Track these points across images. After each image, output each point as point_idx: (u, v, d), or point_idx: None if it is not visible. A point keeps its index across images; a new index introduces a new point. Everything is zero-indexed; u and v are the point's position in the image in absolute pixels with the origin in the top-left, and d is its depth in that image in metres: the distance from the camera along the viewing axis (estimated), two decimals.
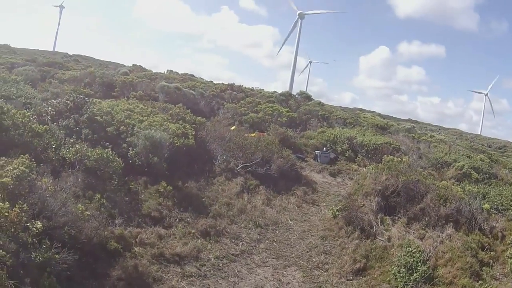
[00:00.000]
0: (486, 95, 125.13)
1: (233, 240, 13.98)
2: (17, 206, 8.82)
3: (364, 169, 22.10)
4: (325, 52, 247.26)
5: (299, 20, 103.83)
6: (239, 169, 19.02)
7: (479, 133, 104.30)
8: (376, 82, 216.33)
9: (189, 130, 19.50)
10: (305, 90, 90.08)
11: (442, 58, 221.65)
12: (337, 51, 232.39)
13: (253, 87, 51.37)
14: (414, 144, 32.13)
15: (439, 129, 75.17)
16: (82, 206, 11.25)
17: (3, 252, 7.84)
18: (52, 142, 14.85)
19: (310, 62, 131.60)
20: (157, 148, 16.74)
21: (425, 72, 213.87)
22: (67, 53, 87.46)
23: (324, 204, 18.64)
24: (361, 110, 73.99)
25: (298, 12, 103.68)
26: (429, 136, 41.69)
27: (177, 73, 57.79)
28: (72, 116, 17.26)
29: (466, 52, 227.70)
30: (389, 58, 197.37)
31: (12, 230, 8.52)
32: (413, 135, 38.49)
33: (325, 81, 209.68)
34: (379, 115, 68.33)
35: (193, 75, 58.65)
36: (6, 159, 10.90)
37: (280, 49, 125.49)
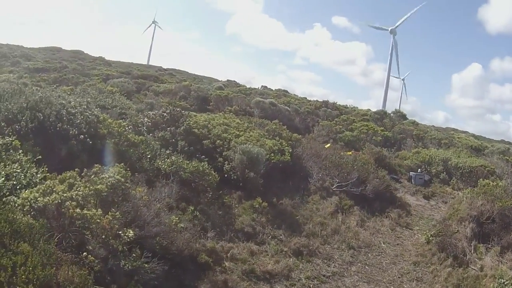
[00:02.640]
0: None
1: (325, 261, 13.18)
2: (110, 213, 8.67)
3: (459, 192, 20.91)
4: (417, 69, 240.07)
5: (391, 36, 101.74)
6: (334, 188, 18.23)
7: None
8: (468, 101, 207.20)
9: (286, 147, 18.99)
10: (399, 108, 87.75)
11: None
12: (429, 68, 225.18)
13: (346, 105, 50.46)
14: (509, 168, 29.81)
15: None
16: (176, 218, 11.05)
17: (92, 257, 7.67)
18: (148, 153, 14.81)
19: (403, 79, 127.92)
20: (253, 163, 16.32)
21: None
22: (161, 66, 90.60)
23: (417, 228, 17.49)
24: (454, 130, 70.57)
25: (390, 28, 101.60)
26: None
27: (271, 89, 58.11)
28: (168, 128, 17.26)
29: None
30: (481, 75, 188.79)
31: (103, 236, 8.32)
32: (507, 157, 35.89)
33: (419, 99, 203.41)
34: (473, 135, 64.74)
35: (286, 91, 58.70)
36: (100, 165, 10.81)
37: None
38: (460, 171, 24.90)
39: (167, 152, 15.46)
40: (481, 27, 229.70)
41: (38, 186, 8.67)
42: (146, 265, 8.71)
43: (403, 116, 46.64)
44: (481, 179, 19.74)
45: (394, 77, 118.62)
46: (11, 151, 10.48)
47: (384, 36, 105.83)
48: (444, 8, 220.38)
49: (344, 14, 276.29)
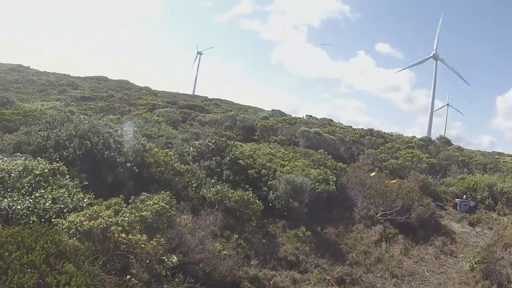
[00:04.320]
0: None
1: None
2: (154, 239, 8.81)
3: (504, 218, 20.26)
4: (461, 93, 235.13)
5: (434, 61, 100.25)
6: (378, 216, 17.93)
7: None
8: None
9: (330, 176, 18.84)
10: (443, 134, 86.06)
11: None
12: (473, 92, 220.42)
13: (392, 132, 50.22)
14: None
15: None
16: (220, 245, 11.10)
17: (135, 281, 7.75)
18: (193, 181, 14.98)
19: (448, 105, 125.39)
20: (298, 192, 16.26)
21: None
22: (206, 96, 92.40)
23: (462, 255, 16.96)
24: (500, 154, 68.45)
25: (433, 53, 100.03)
26: None
27: (316, 118, 58.00)
28: (213, 157, 17.42)
29: None
30: None
31: (147, 261, 8.43)
32: None
33: (463, 124, 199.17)
34: None
35: (332, 120, 58.50)
36: (147, 194, 10.97)
37: (399, 71, 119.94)
38: (506, 196, 24.15)
39: (212, 181, 15.61)
40: None
41: (84, 211, 8.85)
42: None
43: (448, 142, 45.89)
44: None
45: (439, 109, 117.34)
46: (58, 176, 10.79)
47: (428, 62, 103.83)
48: (487, 29, 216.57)
49: (387, 41, 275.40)
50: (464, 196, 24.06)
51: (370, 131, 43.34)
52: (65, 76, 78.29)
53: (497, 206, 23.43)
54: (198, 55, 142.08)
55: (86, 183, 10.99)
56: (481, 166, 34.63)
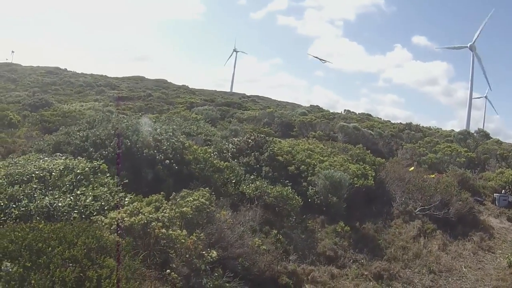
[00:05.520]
0: None
1: (405, 285, 12.77)
2: (194, 234, 8.97)
3: None
4: (500, 85, 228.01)
5: (471, 53, 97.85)
6: (417, 211, 17.67)
7: None
8: None
9: (369, 171, 18.65)
10: (482, 127, 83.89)
11: None
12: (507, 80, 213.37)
13: (430, 126, 49.57)
14: None
15: None
16: (259, 240, 11.21)
17: (175, 275, 7.95)
18: (232, 178, 15.14)
19: (486, 97, 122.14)
20: (336, 188, 16.17)
21: None
22: (244, 94, 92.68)
23: (500, 251, 16.57)
24: None
25: (469, 44, 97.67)
26: None
27: (355, 113, 57.65)
28: (252, 154, 17.50)
29: None
30: None
31: (187, 256, 8.62)
32: None
33: (502, 117, 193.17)
34: None
35: (370, 115, 57.85)
36: (187, 190, 11.13)
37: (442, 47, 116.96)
38: None
39: (252, 177, 15.71)
40: None
41: (125, 207, 9.05)
42: (227, 284, 8.85)
43: (487, 136, 44.74)
44: None
45: (476, 98, 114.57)
46: (99, 174, 11.06)
47: (465, 54, 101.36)
48: None
49: (424, 33, 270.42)
50: (503, 190, 23.49)
51: (409, 126, 42.82)
52: (103, 77, 79.83)
53: None
54: (235, 53, 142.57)
55: (127, 181, 11.23)
56: None
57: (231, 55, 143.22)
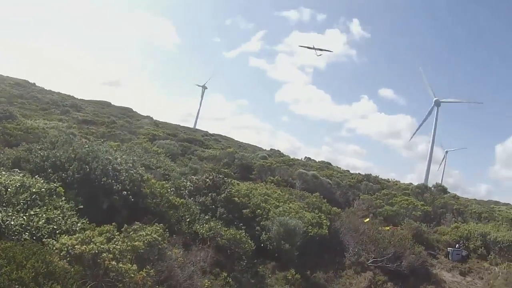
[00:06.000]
0: None
1: None
2: (144, 270, 8.84)
3: (496, 268, 20.29)
4: (459, 140, 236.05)
5: (435, 108, 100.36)
6: (369, 263, 17.91)
7: None
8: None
9: (324, 220, 18.89)
10: (440, 181, 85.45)
11: None
12: (473, 140, 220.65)
13: (389, 179, 50.16)
14: None
15: None
16: (208, 282, 11.30)
17: None
18: (187, 216, 15.00)
19: (446, 152, 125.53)
20: (290, 235, 16.22)
21: None
22: (207, 131, 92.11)
23: None
24: (496, 203, 68.47)
25: (435, 99, 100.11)
26: None
27: (315, 161, 57.94)
28: (209, 194, 17.38)
29: None
30: None
31: None
32: None
33: (461, 172, 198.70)
34: None
35: (330, 164, 58.37)
36: (141, 224, 10.97)
37: (412, 136, 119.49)
38: (499, 245, 24.13)
39: (206, 217, 15.59)
40: None
41: (77, 235, 8.83)
42: None
43: (444, 190, 46.10)
44: None
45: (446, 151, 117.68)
46: (54, 197, 10.79)
47: (428, 109, 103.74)
48: (486, 76, 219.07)
49: (391, 86, 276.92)
50: (457, 245, 24.04)
51: (367, 177, 43.57)
52: (70, 97, 78.64)
53: (490, 256, 23.41)
54: (202, 89, 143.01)
55: (81, 206, 11.00)
56: (476, 215, 34.73)
57: (203, 92, 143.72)
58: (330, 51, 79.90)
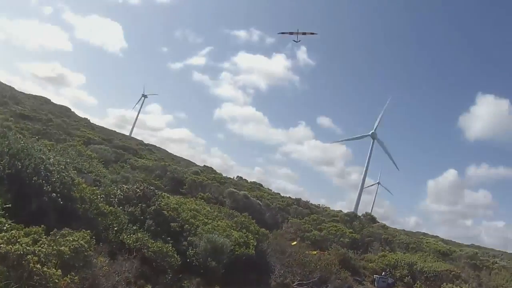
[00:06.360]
0: None
1: None
2: (68, 276, 8.68)
3: None
4: (392, 174, 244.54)
5: (371, 140, 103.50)
6: (294, 285, 18.22)
7: None
8: (441, 207, 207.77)
9: (251, 240, 18.97)
10: (370, 211, 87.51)
11: (509, 181, 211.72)
12: (406, 174, 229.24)
13: (319, 204, 51.79)
14: (475, 272, 30.12)
15: (502, 255, 70.45)
16: None
17: None
18: (115, 225, 14.70)
19: (379, 183, 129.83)
20: (217, 252, 16.25)
21: (492, 196, 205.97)
22: (142, 141, 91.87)
23: None
24: (424, 234, 71.35)
25: (371, 132, 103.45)
26: (491, 262, 39.14)
27: (246, 181, 58.25)
28: (139, 204, 17.13)
29: None
30: (457, 181, 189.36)
31: None
32: (475, 261, 36.35)
33: (392, 203, 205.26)
34: (442, 240, 65.28)
35: (261, 185, 58.87)
36: (68, 229, 10.74)
37: (336, 141, 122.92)
38: (425, 275, 25.09)
39: (134, 227, 15.31)
40: (461, 135, 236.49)
41: (3, 233, 8.53)
42: None
43: (373, 220, 47.78)
44: (445, 283, 20.03)
45: (372, 185, 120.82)
46: None
47: (364, 140, 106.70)
48: (427, 115, 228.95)
49: (329, 115, 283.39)
50: (383, 273, 24.76)
51: (297, 201, 44.44)
52: (10, 89, 76.07)
53: (416, 285, 24.30)
54: (143, 98, 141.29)
55: (9, 205, 10.57)
56: (403, 245, 36.11)
57: (140, 100, 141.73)
58: (314, 34, 77.98)
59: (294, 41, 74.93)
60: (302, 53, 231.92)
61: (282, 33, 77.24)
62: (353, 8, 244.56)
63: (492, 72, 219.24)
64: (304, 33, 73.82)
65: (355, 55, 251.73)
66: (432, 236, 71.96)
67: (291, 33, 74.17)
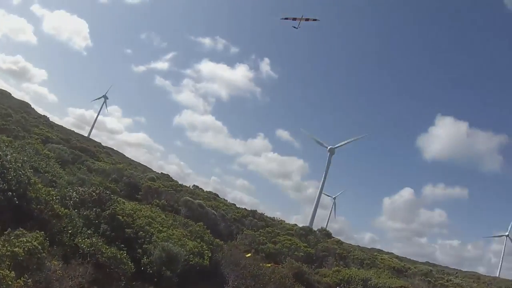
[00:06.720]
0: (507, 236, 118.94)
1: None
2: (22, 278, 8.45)
3: None
4: (351, 190, 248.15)
5: (328, 155, 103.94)
6: None
7: (497, 275, 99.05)
8: (397, 224, 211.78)
9: (206, 251, 18.84)
10: (326, 226, 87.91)
11: (465, 201, 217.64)
12: (362, 191, 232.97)
13: (274, 217, 51.72)
14: None
15: (457, 272, 72.25)
16: None
17: None
18: (70, 228, 14.34)
19: (335, 198, 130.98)
20: (172, 261, 16.09)
21: (447, 215, 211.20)
22: (100, 143, 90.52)
23: None
24: (379, 251, 72.48)
25: (329, 147, 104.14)
26: (446, 280, 40.15)
27: (202, 190, 57.87)
28: (94, 208, 16.79)
29: (488, 193, 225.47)
30: (413, 200, 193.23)
31: None
32: (430, 279, 37.22)
33: (348, 219, 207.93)
34: (397, 257, 66.43)
35: (217, 195, 58.61)
36: (23, 230, 10.47)
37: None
38: None
39: (89, 232, 14.96)
40: (418, 154, 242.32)
41: None
42: None
43: (328, 235, 48.22)
44: None
45: (326, 195, 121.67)
46: None
47: (322, 155, 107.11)
48: (386, 135, 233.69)
49: (288, 129, 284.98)
50: (338, 287, 24.93)
51: (253, 213, 44.40)
52: None
53: None
54: (104, 99, 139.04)
55: None
56: (358, 260, 36.55)
57: (99, 98, 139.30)
58: (317, 20, 77.08)
59: (294, 27, 74.40)
60: (265, 65, 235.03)
61: (285, 18, 76.52)
62: (315, 26, 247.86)
63: (452, 95, 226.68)
64: (307, 19, 73.45)
65: (317, 71, 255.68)
66: (387, 253, 73.29)
67: (294, 19, 73.62)
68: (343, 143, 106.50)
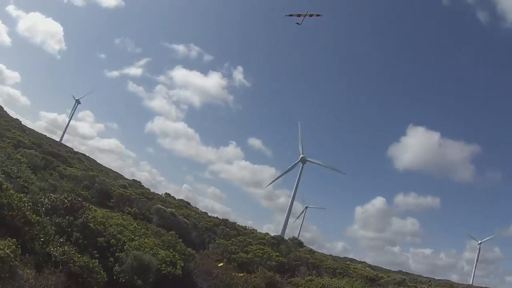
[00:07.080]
0: (480, 244, 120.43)
1: None
2: None
3: None
4: (321, 199, 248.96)
5: (300, 164, 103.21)
6: None
7: (470, 283, 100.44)
8: (369, 233, 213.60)
9: (178, 260, 18.73)
10: (298, 235, 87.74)
11: (437, 210, 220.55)
12: (334, 200, 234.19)
13: (246, 226, 51.93)
14: None
15: (430, 281, 72.99)
16: None
17: None
18: (42, 235, 14.13)
19: (306, 207, 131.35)
20: (144, 270, 15.99)
21: (419, 224, 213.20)
22: (72, 149, 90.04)
23: None
24: (352, 260, 72.93)
25: (301, 156, 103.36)
26: None
27: (174, 198, 57.66)
28: (67, 216, 16.57)
29: (460, 202, 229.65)
30: (385, 209, 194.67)
31: None
32: (403, 287, 37.50)
33: (319, 228, 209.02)
34: (370, 266, 66.91)
35: (189, 203, 58.42)
36: None
37: (269, 184, 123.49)
38: None
39: (61, 240, 14.77)
40: (390, 164, 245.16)
41: None
42: None
43: (301, 244, 48.54)
44: None
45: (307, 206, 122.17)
46: None
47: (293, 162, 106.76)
48: (356, 144, 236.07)
49: (260, 137, 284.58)
50: None
51: (225, 221, 44.40)
52: None
53: None
54: (76, 103, 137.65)
55: None
56: (330, 270, 36.62)
57: (73, 105, 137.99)
58: (320, 15, 76.66)
59: (297, 23, 74.25)
60: (238, 73, 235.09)
61: (290, 15, 76.20)
62: (288, 34, 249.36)
63: (424, 105, 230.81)
64: (311, 15, 73.36)
65: (289, 79, 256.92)
66: (360, 262, 73.80)
67: (298, 15, 73.49)
68: (317, 162, 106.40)
